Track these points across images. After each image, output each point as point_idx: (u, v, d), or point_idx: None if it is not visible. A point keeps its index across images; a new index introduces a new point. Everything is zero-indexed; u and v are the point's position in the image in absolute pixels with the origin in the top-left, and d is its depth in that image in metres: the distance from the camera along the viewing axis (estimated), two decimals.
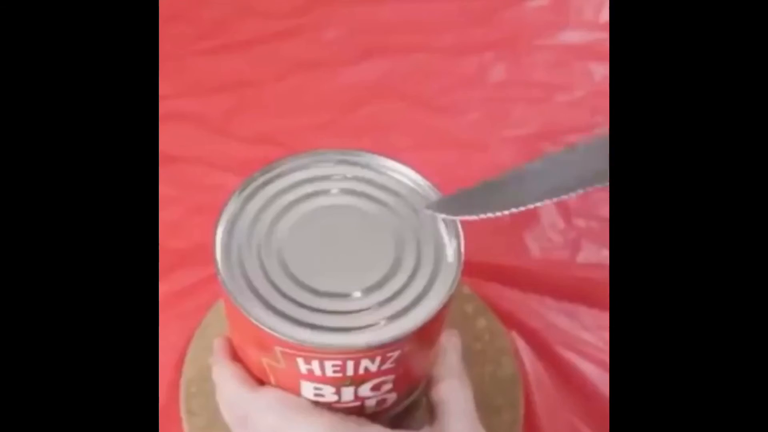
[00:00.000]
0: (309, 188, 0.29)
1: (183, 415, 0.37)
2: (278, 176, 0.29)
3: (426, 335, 0.27)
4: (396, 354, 0.26)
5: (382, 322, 0.26)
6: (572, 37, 0.57)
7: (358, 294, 0.26)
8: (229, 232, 0.28)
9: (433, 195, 0.29)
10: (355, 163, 0.30)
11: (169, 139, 0.48)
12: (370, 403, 0.29)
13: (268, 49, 0.54)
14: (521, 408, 0.38)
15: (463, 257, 0.27)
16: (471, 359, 0.38)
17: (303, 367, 0.26)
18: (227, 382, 0.29)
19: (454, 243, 0.28)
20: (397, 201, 0.29)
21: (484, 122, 0.52)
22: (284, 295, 0.26)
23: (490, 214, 0.27)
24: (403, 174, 0.30)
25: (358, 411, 0.29)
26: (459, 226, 0.28)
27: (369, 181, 0.29)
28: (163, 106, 0.49)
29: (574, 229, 0.46)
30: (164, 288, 0.42)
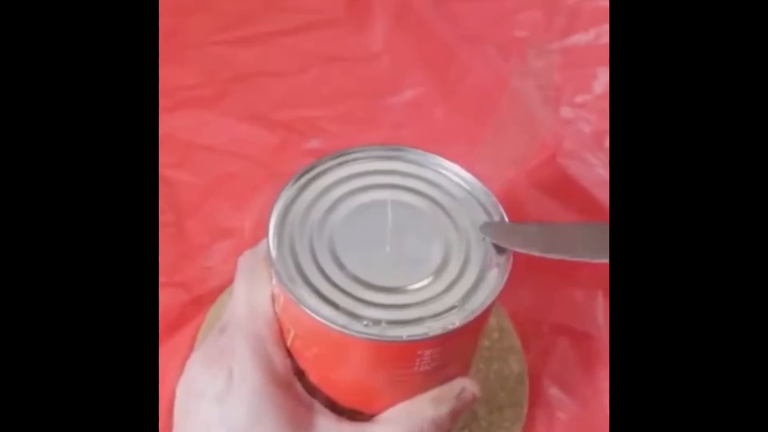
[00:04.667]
0: (364, 182, 0.30)
1: None
2: (334, 168, 0.30)
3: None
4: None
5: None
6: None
7: (408, 288, 0.27)
8: (282, 219, 0.28)
9: (483, 194, 0.30)
10: (409, 160, 0.31)
11: (189, 127, 0.48)
12: None
13: (291, 42, 0.54)
14: (525, 407, 0.38)
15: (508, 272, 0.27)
16: (478, 356, 0.38)
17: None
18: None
19: (502, 254, 0.28)
20: (450, 201, 0.29)
21: None
22: (335, 286, 0.26)
23: (539, 254, 0.28)
24: (455, 174, 0.30)
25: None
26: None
27: (424, 179, 0.30)
28: (184, 95, 0.50)
29: None
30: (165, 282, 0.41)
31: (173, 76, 0.49)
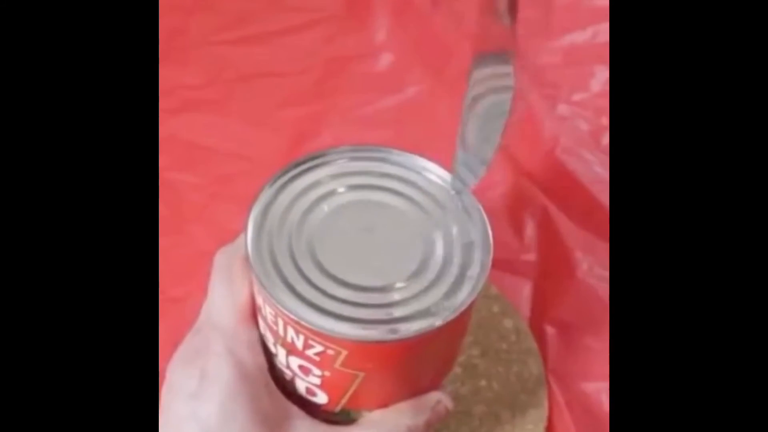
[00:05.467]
0: (342, 183, 0.29)
1: None
2: (312, 169, 0.30)
3: (364, 356, 0.26)
4: (317, 348, 0.26)
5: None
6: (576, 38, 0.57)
7: (388, 287, 0.26)
8: (262, 219, 0.28)
9: (464, 195, 0.29)
10: (390, 161, 0.30)
11: (192, 127, 0.48)
12: (300, 385, 0.29)
13: (292, 41, 0.54)
14: (546, 408, 0.38)
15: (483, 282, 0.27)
16: (496, 358, 0.39)
17: (257, 298, 0.27)
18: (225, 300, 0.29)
19: (479, 252, 0.28)
20: (429, 201, 0.29)
21: None
22: (315, 287, 0.26)
23: None
24: (432, 172, 0.30)
25: (291, 388, 0.29)
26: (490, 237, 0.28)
27: (404, 181, 0.30)
28: (187, 96, 0.50)
29: None
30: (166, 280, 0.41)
31: (176, 76, 0.49)
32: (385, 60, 0.54)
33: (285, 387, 0.29)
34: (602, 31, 0.56)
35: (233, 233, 0.44)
